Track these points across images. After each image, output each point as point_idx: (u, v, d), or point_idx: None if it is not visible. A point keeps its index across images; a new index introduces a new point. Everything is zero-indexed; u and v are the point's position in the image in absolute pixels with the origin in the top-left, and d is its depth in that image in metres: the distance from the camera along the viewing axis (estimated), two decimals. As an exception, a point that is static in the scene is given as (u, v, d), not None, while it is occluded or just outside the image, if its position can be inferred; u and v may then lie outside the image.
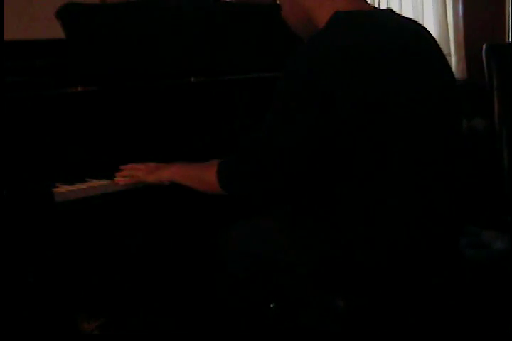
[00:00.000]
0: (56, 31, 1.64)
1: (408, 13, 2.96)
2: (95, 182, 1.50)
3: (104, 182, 1.51)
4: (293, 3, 1.41)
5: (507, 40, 3.12)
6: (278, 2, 2.47)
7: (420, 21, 2.93)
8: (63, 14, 1.63)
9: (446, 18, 3.00)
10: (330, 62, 1.21)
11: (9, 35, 1.69)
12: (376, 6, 2.88)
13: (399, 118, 1.25)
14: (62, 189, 1.44)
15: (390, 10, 1.41)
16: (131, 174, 1.58)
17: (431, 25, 2.97)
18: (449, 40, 3.01)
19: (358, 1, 1.35)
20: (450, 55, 2.97)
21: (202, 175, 1.42)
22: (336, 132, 1.21)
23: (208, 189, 1.42)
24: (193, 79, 1.81)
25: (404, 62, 1.28)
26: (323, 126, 1.21)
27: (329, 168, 1.26)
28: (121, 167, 1.59)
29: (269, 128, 1.27)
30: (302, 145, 1.24)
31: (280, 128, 1.25)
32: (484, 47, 2.15)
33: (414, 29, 1.37)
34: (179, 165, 1.54)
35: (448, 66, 1.41)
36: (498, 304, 1.48)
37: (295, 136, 1.23)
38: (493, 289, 1.47)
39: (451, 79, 1.40)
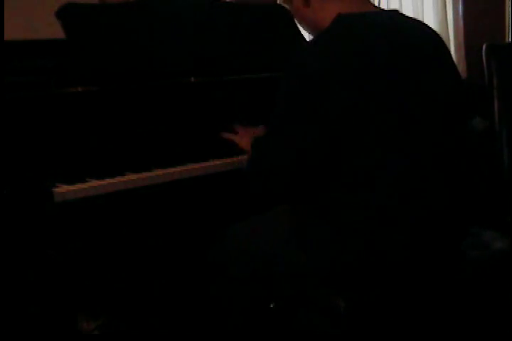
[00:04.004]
0: (56, 31, 1.63)
1: (408, 13, 2.96)
2: (95, 182, 1.50)
3: (104, 181, 1.51)
4: (298, 8, 1.42)
5: (507, 40, 3.12)
6: (278, 2, 2.48)
7: (420, 21, 2.93)
8: (63, 14, 1.63)
9: (446, 18, 3.00)
10: (328, 65, 1.21)
11: (9, 35, 1.69)
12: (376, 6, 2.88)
13: (401, 118, 1.25)
14: (62, 189, 1.44)
15: (395, 11, 1.42)
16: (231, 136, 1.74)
17: (431, 25, 2.96)
18: (449, 40, 3.01)
19: (362, 3, 1.36)
20: (450, 55, 2.97)
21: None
22: (338, 133, 1.22)
23: None
24: (193, 79, 1.81)
25: (407, 63, 1.28)
26: (325, 127, 1.22)
27: (332, 169, 1.27)
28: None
29: (274, 133, 1.30)
30: (306, 144, 1.25)
31: (284, 133, 1.27)
32: (484, 47, 2.15)
33: (419, 30, 1.37)
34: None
35: (454, 66, 1.41)
36: (498, 304, 1.48)
37: (299, 139, 1.25)
38: (493, 289, 1.47)
39: (456, 80, 1.40)
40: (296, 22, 1.50)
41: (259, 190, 1.38)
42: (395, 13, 1.39)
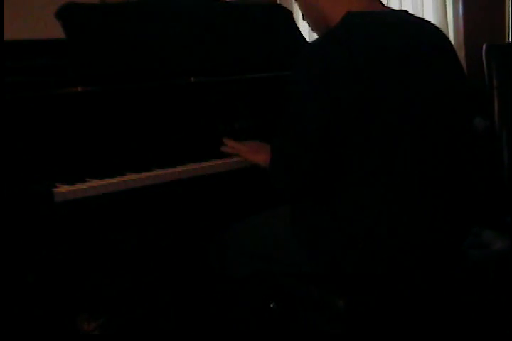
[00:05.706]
0: (56, 31, 1.63)
1: (408, 13, 2.96)
2: (95, 182, 1.50)
3: (104, 181, 1.51)
4: (307, 6, 1.42)
5: (507, 40, 3.12)
6: (278, 2, 2.47)
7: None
8: (63, 14, 1.63)
9: (446, 18, 2.99)
10: (337, 61, 1.22)
11: (9, 35, 1.69)
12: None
13: (408, 116, 1.26)
14: (62, 189, 1.44)
15: (404, 11, 1.42)
16: (235, 146, 1.67)
17: (431, 25, 2.97)
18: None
19: (371, 2, 1.36)
20: (450, 55, 2.97)
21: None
22: (343, 130, 1.23)
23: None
24: (193, 79, 1.81)
25: (415, 62, 1.28)
26: (333, 124, 1.23)
27: (336, 167, 1.27)
28: (225, 141, 1.70)
29: (286, 128, 1.32)
30: (316, 142, 1.26)
31: (294, 128, 1.29)
32: (484, 47, 2.16)
33: (428, 30, 1.37)
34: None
35: (459, 65, 1.41)
36: (498, 304, 1.48)
37: (308, 136, 1.27)
38: (493, 289, 1.47)
39: (461, 79, 1.40)
40: (301, 13, 1.48)
41: (283, 185, 1.39)
42: (405, 13, 1.40)
